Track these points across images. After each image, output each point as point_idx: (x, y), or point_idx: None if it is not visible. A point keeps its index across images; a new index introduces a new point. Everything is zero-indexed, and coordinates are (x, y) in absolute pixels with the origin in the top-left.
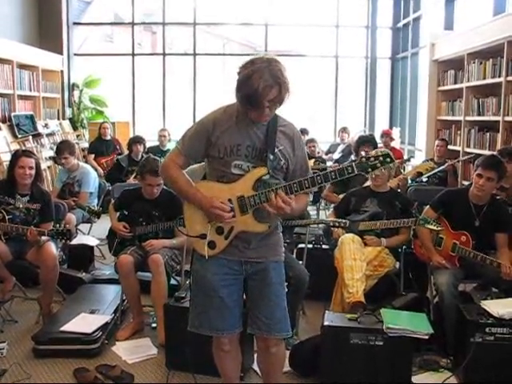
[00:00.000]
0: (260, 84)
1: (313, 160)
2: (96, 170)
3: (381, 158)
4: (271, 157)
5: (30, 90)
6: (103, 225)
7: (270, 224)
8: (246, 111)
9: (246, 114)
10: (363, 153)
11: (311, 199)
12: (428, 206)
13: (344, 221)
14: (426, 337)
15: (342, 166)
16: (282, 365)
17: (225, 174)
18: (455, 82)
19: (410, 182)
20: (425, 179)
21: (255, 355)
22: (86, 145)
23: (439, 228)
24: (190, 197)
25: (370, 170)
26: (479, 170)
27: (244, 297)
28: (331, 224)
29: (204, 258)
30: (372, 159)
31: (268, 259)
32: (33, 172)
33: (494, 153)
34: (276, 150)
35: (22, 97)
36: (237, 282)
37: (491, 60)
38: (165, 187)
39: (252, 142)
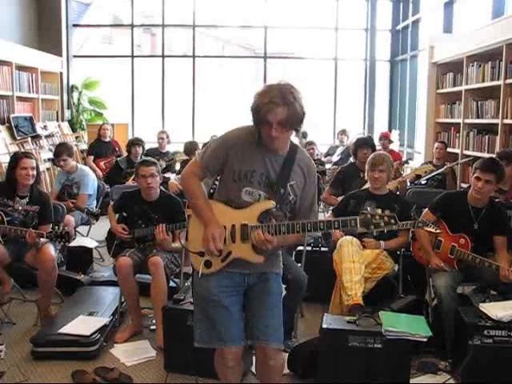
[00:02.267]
0: (266, 99)
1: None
2: (94, 171)
3: (386, 219)
4: (282, 191)
5: (29, 92)
6: (102, 227)
7: (267, 256)
8: (260, 134)
9: (264, 141)
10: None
11: None
12: (427, 209)
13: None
14: (425, 339)
15: (346, 219)
16: (280, 375)
17: (234, 197)
18: (454, 85)
19: (408, 184)
20: (423, 182)
21: (253, 357)
22: (85, 146)
23: (438, 231)
24: (200, 213)
25: (372, 227)
26: (478, 173)
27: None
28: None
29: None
30: (377, 218)
31: (269, 270)
32: (34, 173)
33: (493, 155)
34: (287, 185)
35: (20, 98)
36: (238, 293)
37: (490, 63)
38: (162, 188)
39: (266, 171)
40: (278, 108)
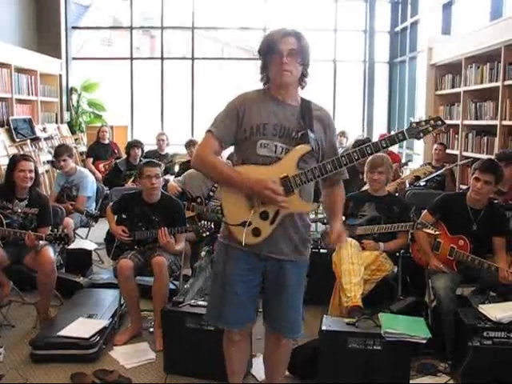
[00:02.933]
0: (277, 32)
1: None
2: (94, 173)
3: (432, 122)
4: (312, 135)
5: (28, 94)
6: (101, 229)
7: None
8: (269, 74)
9: (272, 92)
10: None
11: None
12: (426, 210)
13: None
14: (424, 341)
15: (393, 135)
16: (287, 358)
17: (251, 155)
18: (453, 87)
19: (407, 185)
20: (423, 183)
21: (253, 359)
22: (84, 149)
23: (437, 232)
24: (235, 180)
25: (421, 134)
26: (477, 174)
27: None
28: (325, 221)
29: (226, 251)
30: (423, 123)
31: (287, 258)
32: (33, 175)
33: (492, 157)
34: (314, 130)
35: (20, 101)
36: (255, 277)
37: (488, 64)
38: (162, 191)
39: (279, 121)
40: (289, 37)
